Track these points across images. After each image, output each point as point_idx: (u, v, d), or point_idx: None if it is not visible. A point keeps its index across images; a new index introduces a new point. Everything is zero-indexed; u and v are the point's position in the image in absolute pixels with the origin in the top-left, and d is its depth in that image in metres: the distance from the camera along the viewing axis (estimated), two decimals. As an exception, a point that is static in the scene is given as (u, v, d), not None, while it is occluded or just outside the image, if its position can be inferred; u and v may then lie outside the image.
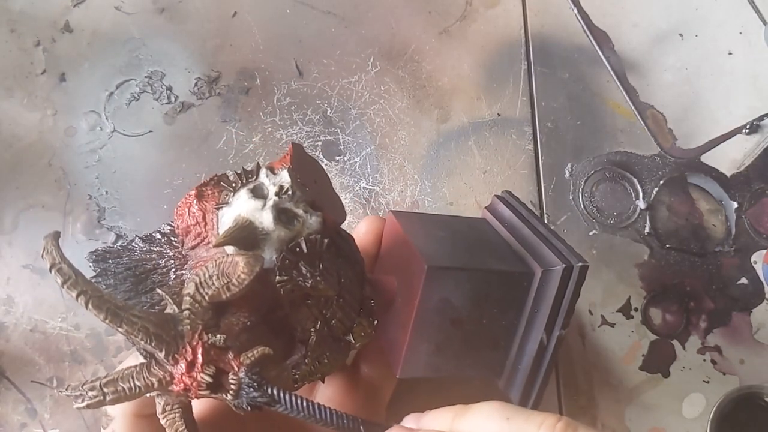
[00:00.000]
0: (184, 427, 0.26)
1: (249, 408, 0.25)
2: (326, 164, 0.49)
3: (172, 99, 0.49)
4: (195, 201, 0.30)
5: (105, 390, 0.25)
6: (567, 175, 0.49)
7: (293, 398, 0.25)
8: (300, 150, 0.32)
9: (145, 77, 0.49)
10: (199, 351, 0.25)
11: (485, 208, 0.40)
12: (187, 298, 0.26)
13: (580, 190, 0.49)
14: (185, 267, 0.30)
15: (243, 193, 0.29)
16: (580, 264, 0.32)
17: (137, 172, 0.48)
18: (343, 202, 0.48)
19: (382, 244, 0.37)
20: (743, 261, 0.48)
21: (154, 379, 0.25)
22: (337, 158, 0.49)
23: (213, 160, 0.48)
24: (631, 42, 0.52)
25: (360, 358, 0.36)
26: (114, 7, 0.51)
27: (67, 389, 0.25)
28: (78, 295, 0.24)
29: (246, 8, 0.51)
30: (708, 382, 0.46)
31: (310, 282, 0.28)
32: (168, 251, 0.31)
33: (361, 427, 0.26)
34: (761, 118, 0.50)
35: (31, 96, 0.49)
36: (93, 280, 0.27)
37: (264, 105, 0.49)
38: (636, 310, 0.47)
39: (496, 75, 0.51)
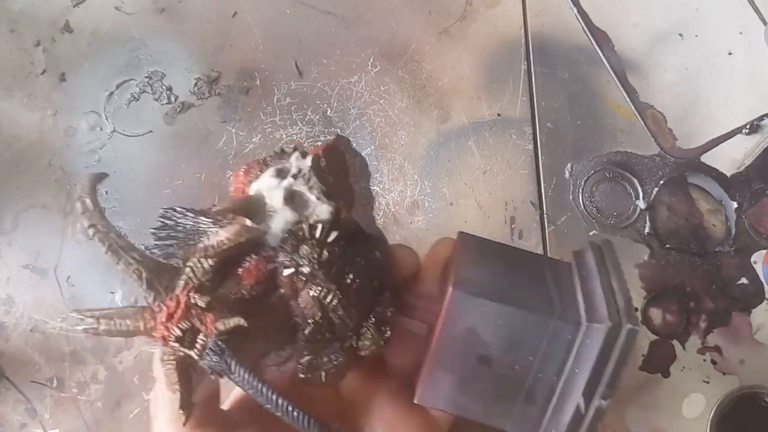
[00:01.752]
0: (176, 379, 0.26)
1: (210, 371, 0.26)
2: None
3: (172, 99, 0.49)
4: (242, 175, 0.31)
5: (100, 320, 0.26)
6: (567, 175, 0.49)
7: (247, 374, 0.25)
8: (343, 143, 0.32)
9: (145, 77, 0.49)
10: (182, 305, 0.26)
11: (573, 252, 0.36)
12: (194, 258, 0.27)
13: (580, 190, 0.49)
14: None
15: (270, 171, 0.30)
16: (628, 326, 0.28)
17: (137, 172, 0.48)
18: (343, 202, 0.48)
19: (448, 264, 0.35)
20: (743, 261, 0.48)
21: (141, 323, 0.26)
22: (337, 158, 0.49)
23: (213, 160, 0.48)
24: (631, 42, 0.52)
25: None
26: (114, 7, 0.51)
27: (74, 312, 0.26)
28: (89, 227, 0.26)
29: (246, 8, 0.51)
30: (708, 382, 0.46)
31: (307, 268, 0.28)
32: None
33: (306, 423, 0.25)
34: (761, 118, 0.50)
35: (31, 96, 0.49)
36: (150, 230, 0.28)
37: (264, 105, 0.49)
38: (636, 310, 0.47)
39: (496, 75, 0.51)
